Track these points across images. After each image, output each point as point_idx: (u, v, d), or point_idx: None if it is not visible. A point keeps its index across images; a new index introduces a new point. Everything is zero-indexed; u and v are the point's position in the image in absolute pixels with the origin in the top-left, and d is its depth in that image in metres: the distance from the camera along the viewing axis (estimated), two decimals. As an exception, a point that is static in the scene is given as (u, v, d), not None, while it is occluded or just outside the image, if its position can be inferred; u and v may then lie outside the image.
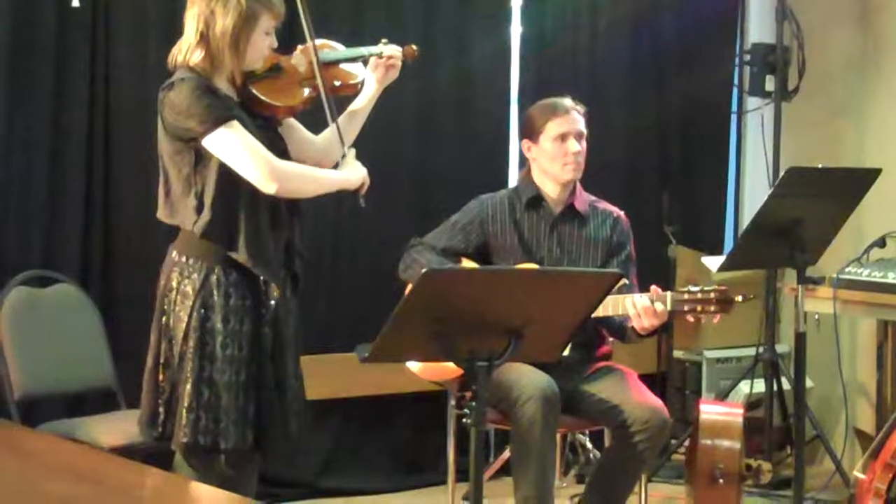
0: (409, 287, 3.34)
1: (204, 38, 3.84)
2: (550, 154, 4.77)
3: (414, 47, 4.31)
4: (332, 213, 5.85)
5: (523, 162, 5.02)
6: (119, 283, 5.49)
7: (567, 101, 4.83)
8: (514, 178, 6.12)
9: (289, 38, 4.12)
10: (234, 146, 3.78)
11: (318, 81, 4.02)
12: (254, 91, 3.94)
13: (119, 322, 5.39)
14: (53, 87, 5.35)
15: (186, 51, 3.87)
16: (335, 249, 6.00)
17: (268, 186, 3.80)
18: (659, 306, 4.37)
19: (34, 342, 5.00)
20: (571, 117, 4.79)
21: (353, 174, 4.04)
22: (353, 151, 4.09)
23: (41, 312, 5.08)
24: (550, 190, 4.84)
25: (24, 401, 4.95)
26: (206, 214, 3.82)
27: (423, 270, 3.24)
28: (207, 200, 3.82)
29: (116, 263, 5.50)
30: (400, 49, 4.25)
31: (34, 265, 5.24)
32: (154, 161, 3.99)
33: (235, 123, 3.79)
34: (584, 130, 4.81)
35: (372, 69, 4.22)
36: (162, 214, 3.95)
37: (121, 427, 4.70)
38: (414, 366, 4.71)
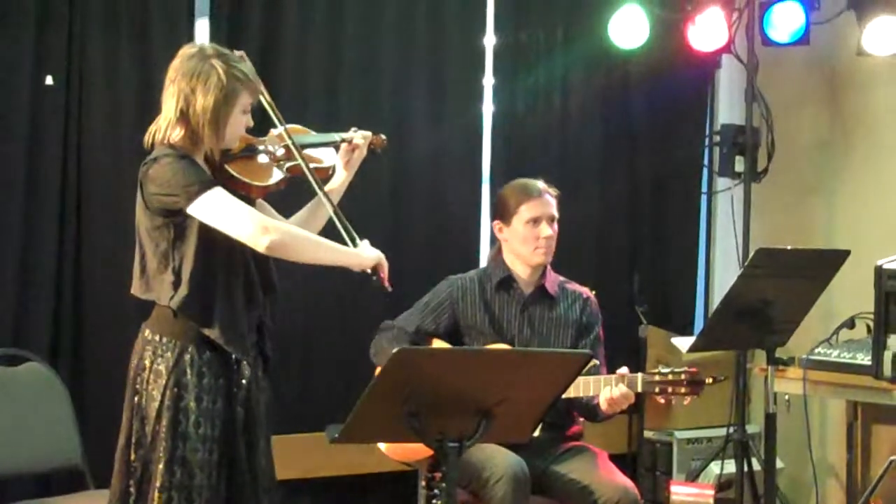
0: (379, 369, 3.34)
1: (184, 116, 3.83)
2: (522, 237, 4.79)
3: (383, 137, 4.34)
4: (303, 294, 5.84)
5: (494, 241, 5.03)
6: (89, 361, 5.47)
7: (540, 184, 4.85)
8: (484, 258, 6.12)
9: (261, 121, 4.12)
10: (222, 206, 3.77)
11: (299, 161, 4.03)
12: (229, 170, 3.93)
13: (89, 401, 5.36)
14: (26, 164, 5.35)
15: (166, 129, 3.86)
16: (306, 329, 5.99)
17: (261, 241, 3.75)
18: (619, 390, 4.41)
19: (2, 421, 4.96)
20: (544, 200, 4.81)
21: (365, 252, 3.99)
22: (366, 242, 4.03)
23: (10, 391, 5.04)
24: (521, 271, 4.85)
25: (-9, 481, 4.91)
26: (183, 289, 3.80)
27: (394, 350, 3.24)
28: (185, 276, 3.81)
29: (87, 342, 5.48)
30: (369, 135, 4.27)
31: (4, 343, 5.21)
32: (126, 239, 3.98)
33: (220, 188, 3.79)
34: (556, 214, 4.83)
35: (341, 155, 4.24)
36: (136, 290, 3.92)
37: (89, 507, 4.67)
38: (383, 445, 4.69)
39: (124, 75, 5.54)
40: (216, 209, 3.76)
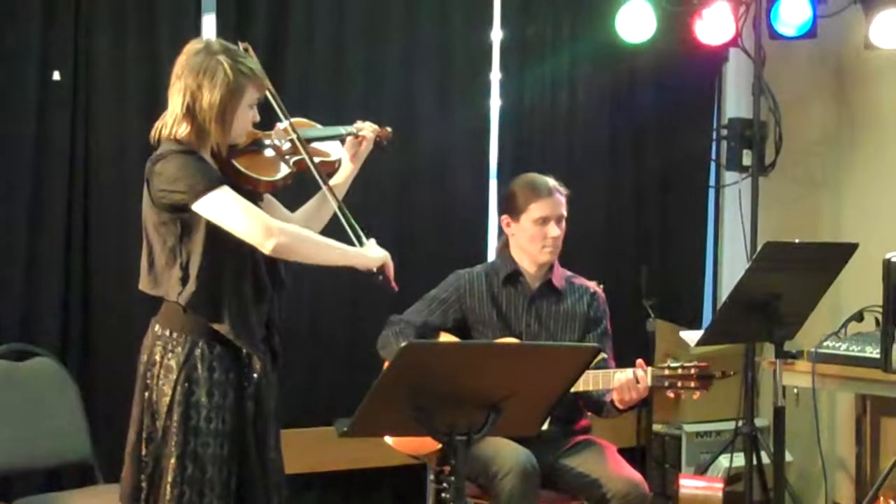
0: (387, 363, 3.34)
1: (190, 112, 3.83)
2: (530, 235, 4.78)
3: (389, 129, 4.33)
4: (311, 288, 5.85)
5: (501, 234, 5.02)
6: (97, 356, 5.47)
7: (550, 183, 4.82)
8: (492, 252, 6.13)
9: (266, 116, 4.12)
10: (228, 206, 3.76)
11: (304, 155, 4.02)
12: (236, 164, 3.92)
13: (98, 395, 5.36)
14: (33, 159, 5.36)
15: (172, 124, 3.85)
16: (313, 323, 5.99)
17: (266, 242, 3.76)
18: (640, 373, 4.40)
19: (11, 416, 4.95)
20: (554, 200, 4.79)
21: (371, 252, 3.98)
22: (372, 241, 4.03)
23: (18, 386, 5.04)
24: (528, 266, 4.85)
25: (-1, 475, 4.92)
26: (191, 285, 3.80)
27: (403, 344, 3.24)
28: (193, 271, 3.80)
29: (95, 336, 5.49)
30: (376, 127, 4.27)
31: (12, 338, 5.22)
32: (134, 233, 3.98)
33: (226, 187, 3.79)
34: (565, 213, 4.82)
35: (347, 148, 4.25)
36: (144, 285, 3.92)
37: (97, 502, 4.66)
38: (391, 438, 4.69)
39: (131, 70, 5.55)
40: (221, 209, 3.76)
